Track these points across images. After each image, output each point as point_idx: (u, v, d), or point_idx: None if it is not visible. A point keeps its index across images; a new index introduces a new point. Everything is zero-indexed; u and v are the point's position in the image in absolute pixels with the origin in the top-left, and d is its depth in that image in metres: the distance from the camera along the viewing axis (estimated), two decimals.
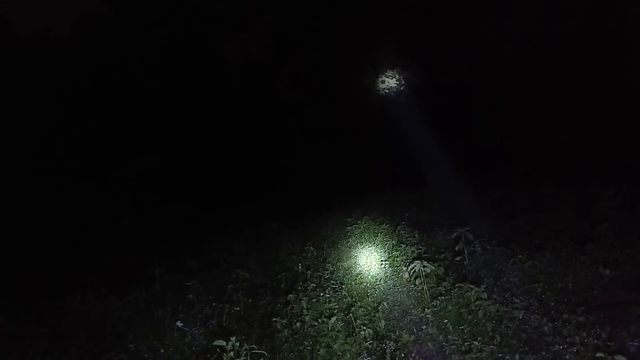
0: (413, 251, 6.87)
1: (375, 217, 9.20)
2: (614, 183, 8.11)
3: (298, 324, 4.95)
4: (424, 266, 5.45)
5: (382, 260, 6.75)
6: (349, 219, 9.18)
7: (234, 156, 15.92)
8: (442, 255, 6.59)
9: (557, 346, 4.02)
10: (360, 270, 6.48)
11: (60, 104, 15.05)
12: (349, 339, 4.62)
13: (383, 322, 4.82)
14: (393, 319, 4.97)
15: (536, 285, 5.18)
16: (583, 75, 13.37)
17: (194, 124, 15.96)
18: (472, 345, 4.17)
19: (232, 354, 3.92)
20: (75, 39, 16.70)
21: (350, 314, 5.00)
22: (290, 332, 4.86)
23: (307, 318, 5.03)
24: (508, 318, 4.52)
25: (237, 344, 3.97)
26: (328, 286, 5.97)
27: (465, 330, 4.48)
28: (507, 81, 14.11)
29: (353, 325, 4.80)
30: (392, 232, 7.99)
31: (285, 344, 4.68)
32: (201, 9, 16.84)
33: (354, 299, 5.57)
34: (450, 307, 4.95)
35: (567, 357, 3.86)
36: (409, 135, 14.49)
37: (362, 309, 5.23)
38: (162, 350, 4.80)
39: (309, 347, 4.58)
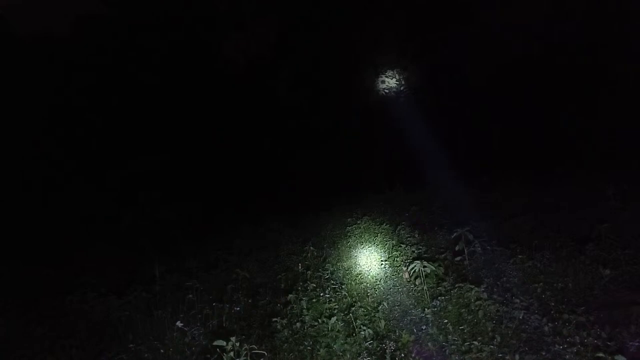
0: (413, 251, 6.87)
1: (375, 217, 9.19)
2: (614, 183, 8.10)
3: (298, 324, 4.95)
4: (424, 266, 5.45)
5: (382, 260, 6.75)
6: (349, 219, 9.17)
7: (234, 156, 15.91)
8: (442, 255, 6.59)
9: (557, 346, 4.02)
10: (360, 270, 6.48)
11: (60, 103, 15.05)
12: (349, 339, 4.62)
13: (383, 322, 4.82)
14: (393, 319, 4.97)
15: (536, 285, 5.18)
16: (583, 75, 13.36)
17: (194, 124, 15.95)
18: (472, 345, 4.17)
19: (232, 354, 3.91)
20: (75, 39, 16.69)
21: (350, 314, 5.00)
22: (290, 332, 4.86)
23: (307, 318, 5.02)
24: (508, 318, 4.53)
25: (237, 344, 3.97)
26: (328, 286, 5.96)
27: (465, 330, 4.48)
28: (507, 81, 14.11)
29: (353, 326, 4.80)
30: (392, 232, 7.98)
31: (285, 344, 4.68)
32: (201, 8, 16.83)
33: (354, 299, 5.56)
34: (450, 307, 4.95)
35: (567, 357, 3.86)
36: (409, 135, 14.49)
37: (362, 309, 5.22)
38: (162, 350, 4.80)
39: (309, 347, 4.58)
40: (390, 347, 4.35)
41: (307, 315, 5.10)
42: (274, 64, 16.87)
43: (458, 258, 6.27)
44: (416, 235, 7.66)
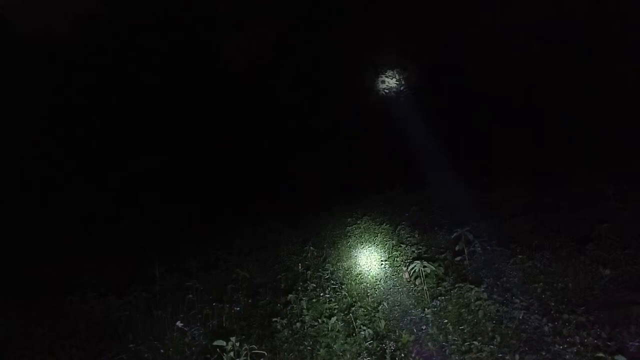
0: (413, 251, 6.87)
1: (375, 217, 9.19)
2: (614, 183, 8.10)
3: (298, 324, 4.95)
4: (424, 266, 5.45)
5: (382, 260, 6.75)
6: (349, 219, 9.17)
7: (234, 156, 15.92)
8: (442, 255, 6.59)
9: (557, 346, 4.02)
10: (360, 270, 6.48)
11: (60, 103, 15.05)
12: (349, 339, 4.62)
13: (383, 322, 4.82)
14: (393, 319, 4.97)
15: (536, 285, 5.18)
16: (583, 75, 13.37)
17: (194, 124, 15.96)
18: (472, 345, 4.17)
19: (232, 354, 3.91)
20: (75, 39, 16.69)
21: (350, 314, 5.00)
22: (290, 332, 4.86)
23: (307, 318, 5.02)
24: (508, 318, 4.53)
25: (237, 344, 3.97)
26: (328, 286, 5.96)
27: (465, 330, 4.48)
28: (507, 81, 14.11)
29: (353, 326, 4.80)
30: (392, 232, 7.98)
31: (285, 344, 4.68)
32: (201, 8, 16.84)
33: (354, 299, 5.56)
34: (450, 307, 4.95)
35: (567, 357, 3.86)
36: (409, 135, 14.49)
37: (362, 309, 5.22)
38: (162, 350, 4.80)
39: (309, 347, 4.58)
40: (390, 347, 4.35)
41: (307, 315, 5.10)
42: (274, 64, 16.87)
43: (458, 258, 6.27)
44: (416, 235, 7.66)
